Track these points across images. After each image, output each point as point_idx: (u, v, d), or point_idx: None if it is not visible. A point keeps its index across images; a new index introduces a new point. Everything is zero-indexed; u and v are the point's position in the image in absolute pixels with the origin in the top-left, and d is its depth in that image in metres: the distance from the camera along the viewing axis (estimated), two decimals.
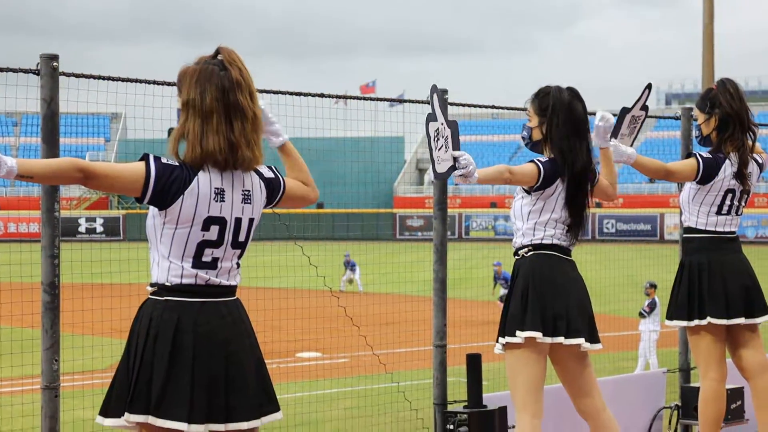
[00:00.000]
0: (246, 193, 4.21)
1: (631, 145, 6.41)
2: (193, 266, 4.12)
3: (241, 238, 4.22)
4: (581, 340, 5.79)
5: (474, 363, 6.81)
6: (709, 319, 6.70)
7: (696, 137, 6.94)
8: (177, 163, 4.11)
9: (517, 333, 5.71)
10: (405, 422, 10.12)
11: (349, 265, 30.14)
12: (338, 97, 7.18)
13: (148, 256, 4.22)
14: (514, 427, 6.98)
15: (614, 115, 6.33)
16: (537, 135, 5.88)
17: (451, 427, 6.69)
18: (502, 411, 6.69)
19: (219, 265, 4.17)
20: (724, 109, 6.70)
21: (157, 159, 4.08)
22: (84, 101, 6.17)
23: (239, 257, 4.26)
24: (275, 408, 4.26)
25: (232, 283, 4.23)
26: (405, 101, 7.81)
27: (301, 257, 7.97)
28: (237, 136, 4.13)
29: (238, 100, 4.15)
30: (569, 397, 6.01)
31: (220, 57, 4.21)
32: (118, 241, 45.30)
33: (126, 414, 4.06)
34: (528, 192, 5.79)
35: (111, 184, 4.03)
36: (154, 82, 6.08)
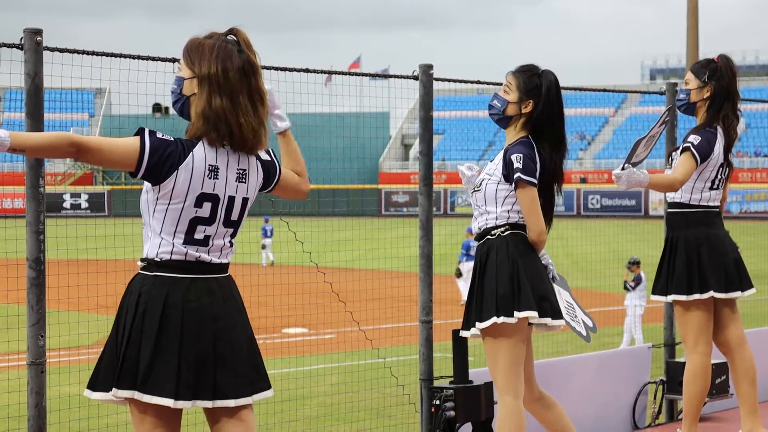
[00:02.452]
0: (241, 171, 4.19)
1: (647, 155, 6.39)
2: (185, 243, 4.10)
3: (234, 216, 4.20)
4: (563, 322, 5.78)
5: (460, 339, 6.82)
6: (712, 292, 6.71)
7: (679, 102, 6.89)
8: (172, 138, 4.09)
9: (515, 313, 5.60)
10: (391, 398, 10.14)
11: (263, 231, 29.67)
12: (324, 72, 7.15)
13: (134, 231, 4.22)
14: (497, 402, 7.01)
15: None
16: None
17: (438, 402, 6.70)
18: (488, 386, 6.71)
19: (211, 242, 4.15)
20: (722, 84, 6.71)
21: (152, 133, 4.05)
22: (68, 76, 6.13)
23: (232, 236, 4.24)
24: (266, 385, 4.25)
25: (224, 261, 4.21)
26: (390, 76, 7.78)
27: (287, 233, 7.96)
28: (259, 119, 4.15)
29: (258, 84, 4.16)
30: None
31: (232, 37, 4.18)
32: (103, 217, 45.21)
33: (114, 389, 4.06)
34: (507, 179, 5.71)
35: (104, 158, 4.00)
36: (139, 57, 6.04)
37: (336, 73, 7.51)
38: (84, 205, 55.86)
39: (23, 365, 5.58)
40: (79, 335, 12.63)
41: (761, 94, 64.60)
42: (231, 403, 4.12)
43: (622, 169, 6.33)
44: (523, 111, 5.76)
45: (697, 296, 6.72)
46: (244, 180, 4.20)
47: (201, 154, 4.09)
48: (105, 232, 9.90)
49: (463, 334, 5.88)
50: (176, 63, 6.04)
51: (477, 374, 6.86)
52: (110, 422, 9.01)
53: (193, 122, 4.12)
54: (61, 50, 5.63)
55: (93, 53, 5.84)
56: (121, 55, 5.98)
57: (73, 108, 69.23)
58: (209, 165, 4.10)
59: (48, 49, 5.49)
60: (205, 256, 4.14)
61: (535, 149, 5.72)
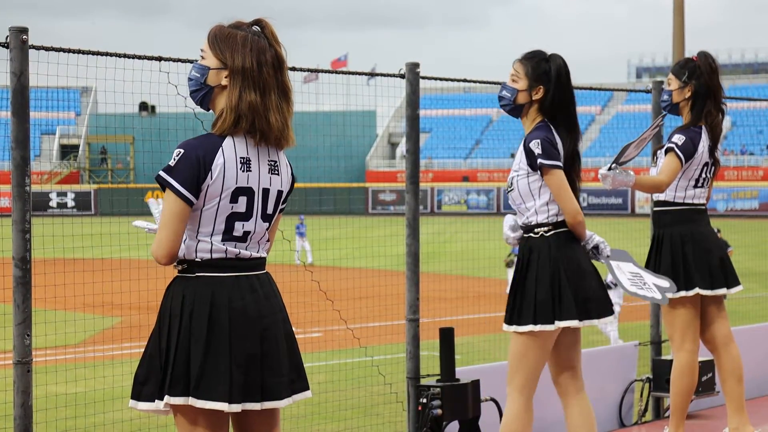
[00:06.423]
0: (272, 163, 4.09)
1: (637, 154, 6.39)
2: (223, 240, 4.01)
3: (270, 210, 4.10)
4: (611, 318, 5.72)
5: (446, 337, 6.83)
6: (697, 290, 6.73)
7: (663, 103, 6.92)
8: (188, 148, 3.95)
9: (556, 322, 5.53)
10: (378, 396, 10.15)
11: (298, 232, 29.85)
12: (311, 70, 7.15)
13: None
14: (487, 399, 7.02)
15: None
16: None
17: (425, 400, 6.71)
18: (475, 384, 6.72)
19: (249, 239, 4.06)
20: (702, 82, 6.73)
21: (170, 170, 3.94)
22: (54, 75, 6.12)
23: (267, 229, 4.13)
24: (305, 386, 4.16)
25: (262, 254, 4.12)
26: (377, 75, 7.79)
27: None
28: (287, 116, 4.07)
29: (285, 80, 4.08)
30: (554, 374, 5.85)
31: (257, 28, 4.07)
32: (90, 216, 45.11)
33: (166, 397, 3.94)
34: (533, 168, 5.60)
35: (181, 228, 3.96)
36: (125, 56, 6.03)
37: (325, 71, 7.51)
38: (70, 203, 55.67)
39: (9, 364, 5.57)
40: (65, 334, 12.60)
41: (746, 92, 64.69)
42: (281, 403, 4.04)
43: (609, 168, 6.34)
44: (534, 98, 5.67)
45: (683, 294, 6.74)
46: (276, 172, 4.11)
47: (231, 147, 3.99)
48: (92, 231, 9.87)
49: (506, 329, 5.71)
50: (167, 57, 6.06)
51: (464, 372, 6.87)
52: (97, 421, 9.00)
53: (223, 116, 4.00)
54: (47, 49, 5.61)
55: (79, 52, 5.83)
56: (107, 54, 5.96)
57: (59, 107, 69.14)
58: (241, 158, 4.00)
59: (34, 47, 5.47)
60: (244, 252, 4.04)
61: (553, 131, 5.65)
